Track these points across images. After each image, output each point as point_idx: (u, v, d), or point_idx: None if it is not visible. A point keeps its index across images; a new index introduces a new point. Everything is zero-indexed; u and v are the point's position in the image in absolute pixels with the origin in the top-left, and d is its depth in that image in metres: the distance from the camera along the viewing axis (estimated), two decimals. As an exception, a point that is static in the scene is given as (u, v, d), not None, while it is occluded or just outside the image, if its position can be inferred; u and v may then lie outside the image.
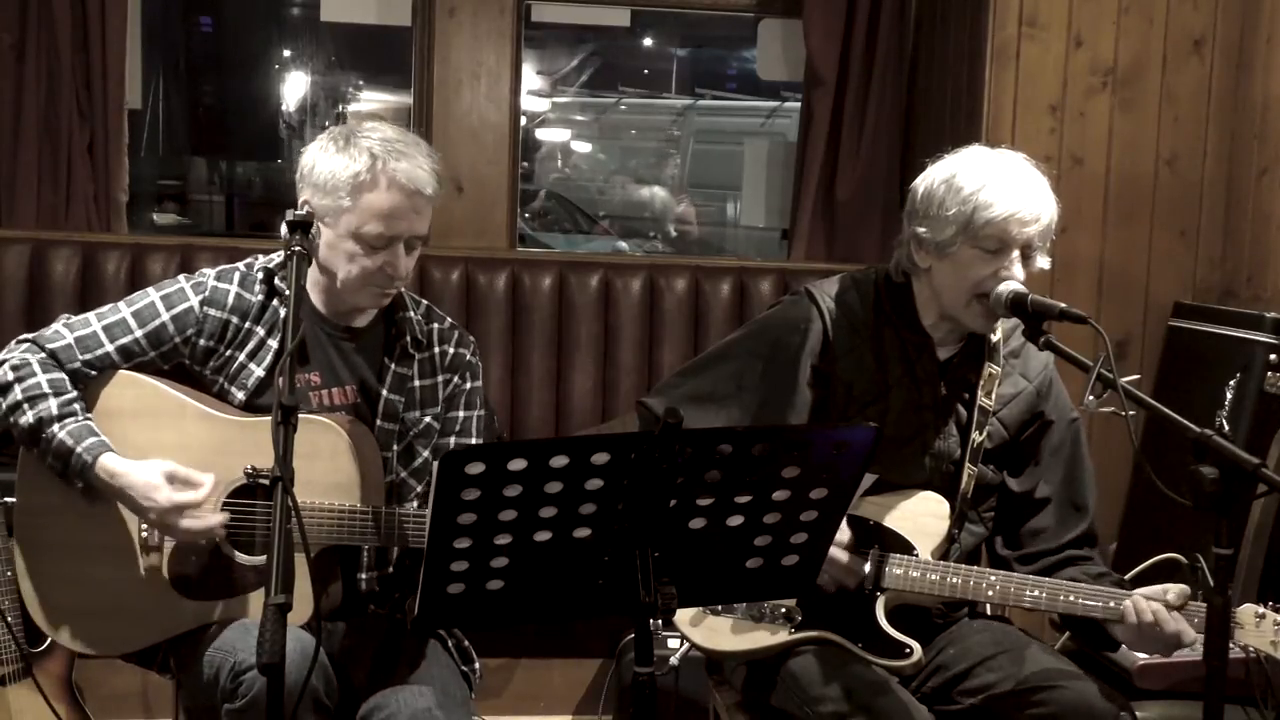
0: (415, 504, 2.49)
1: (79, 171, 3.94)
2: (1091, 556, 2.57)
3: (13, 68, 3.88)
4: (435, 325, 2.57)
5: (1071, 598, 2.39)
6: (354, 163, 2.35)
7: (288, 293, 2.19)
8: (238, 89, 7.62)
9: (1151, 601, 2.33)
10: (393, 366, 2.50)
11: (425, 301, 2.61)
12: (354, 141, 2.38)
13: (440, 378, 2.55)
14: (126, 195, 4.08)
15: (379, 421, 2.48)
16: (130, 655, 2.47)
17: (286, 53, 7.23)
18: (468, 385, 2.58)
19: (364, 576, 2.48)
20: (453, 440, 2.56)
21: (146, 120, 6.44)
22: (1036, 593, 2.40)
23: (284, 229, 2.29)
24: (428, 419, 2.53)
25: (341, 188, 2.35)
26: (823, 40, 4.24)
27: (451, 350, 2.57)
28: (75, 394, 2.35)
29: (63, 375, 2.36)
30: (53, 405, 2.31)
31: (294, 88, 7.30)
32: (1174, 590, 2.34)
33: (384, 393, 2.49)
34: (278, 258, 2.47)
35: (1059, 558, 2.56)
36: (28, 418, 2.31)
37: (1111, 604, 2.36)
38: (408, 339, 2.51)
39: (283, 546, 1.83)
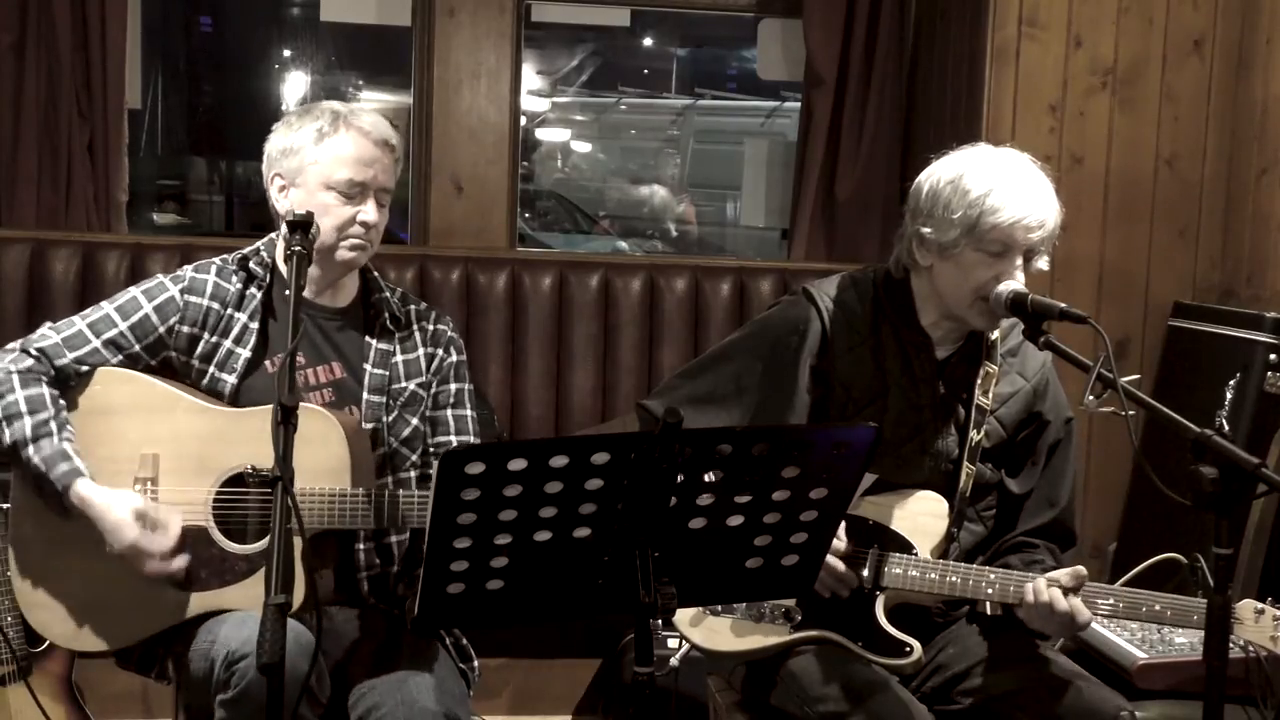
0: (413, 474, 2.54)
1: (79, 171, 3.94)
2: (1038, 545, 2.56)
3: (13, 68, 3.88)
4: (412, 306, 2.64)
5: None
6: (316, 120, 2.46)
7: (287, 292, 2.20)
8: (238, 89, 7.60)
9: (1051, 586, 2.33)
10: (375, 343, 2.56)
11: (400, 288, 2.68)
12: (312, 109, 2.50)
13: (423, 350, 2.61)
14: (126, 195, 4.08)
15: (366, 395, 2.52)
16: (130, 663, 2.48)
17: (286, 53, 7.22)
18: (453, 357, 2.64)
19: (361, 547, 2.51)
20: (449, 412, 2.61)
21: (146, 120, 6.43)
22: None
23: (284, 228, 2.30)
24: (413, 387, 2.57)
25: (306, 145, 2.45)
26: (823, 40, 4.25)
27: (431, 326, 2.64)
28: (52, 411, 2.34)
29: (43, 391, 2.35)
30: (27, 426, 2.31)
31: (294, 88, 7.28)
32: (1068, 573, 2.35)
33: (368, 367, 2.54)
34: (252, 247, 2.54)
35: (1008, 544, 2.57)
36: (4, 436, 2.32)
37: (1012, 589, 2.38)
38: (385, 316, 2.57)
39: (282, 547, 1.83)
